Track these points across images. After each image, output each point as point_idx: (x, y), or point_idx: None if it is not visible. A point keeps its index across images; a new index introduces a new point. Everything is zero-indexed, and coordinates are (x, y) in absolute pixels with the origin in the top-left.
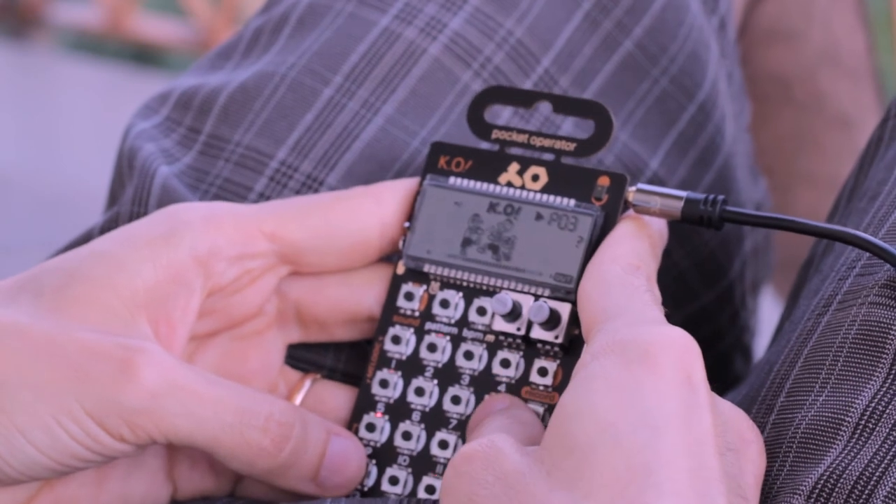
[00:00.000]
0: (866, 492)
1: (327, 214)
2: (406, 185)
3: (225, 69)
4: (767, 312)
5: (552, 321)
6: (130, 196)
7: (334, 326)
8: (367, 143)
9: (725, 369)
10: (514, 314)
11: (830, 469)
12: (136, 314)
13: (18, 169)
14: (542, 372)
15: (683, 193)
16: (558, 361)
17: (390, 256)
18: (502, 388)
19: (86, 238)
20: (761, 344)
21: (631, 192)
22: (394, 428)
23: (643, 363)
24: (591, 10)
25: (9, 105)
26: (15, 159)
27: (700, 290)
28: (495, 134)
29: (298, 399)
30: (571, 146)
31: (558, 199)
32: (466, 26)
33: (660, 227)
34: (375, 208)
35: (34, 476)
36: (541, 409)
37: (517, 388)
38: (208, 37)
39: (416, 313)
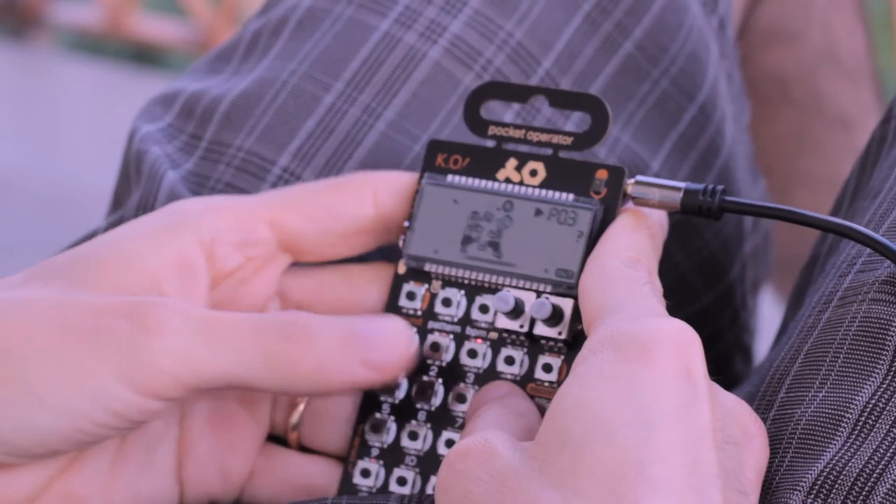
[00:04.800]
0: (866, 488)
1: (325, 200)
2: (400, 173)
3: (224, 72)
4: (767, 312)
5: (555, 317)
6: (136, 201)
7: None
8: (369, 149)
9: (725, 370)
10: (516, 312)
11: (830, 465)
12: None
13: (18, 169)
14: (547, 368)
15: (682, 184)
16: (563, 357)
17: (391, 255)
18: None
19: (89, 239)
20: (761, 344)
21: (630, 185)
22: (400, 428)
23: (640, 357)
24: (591, 12)
25: (9, 105)
26: (15, 159)
27: (701, 291)
28: (492, 130)
29: (301, 405)
30: (569, 140)
31: (557, 193)
32: (466, 29)
33: (660, 218)
34: (370, 194)
35: (48, 447)
36: (546, 405)
37: (522, 384)
38: (208, 37)
39: (419, 312)
